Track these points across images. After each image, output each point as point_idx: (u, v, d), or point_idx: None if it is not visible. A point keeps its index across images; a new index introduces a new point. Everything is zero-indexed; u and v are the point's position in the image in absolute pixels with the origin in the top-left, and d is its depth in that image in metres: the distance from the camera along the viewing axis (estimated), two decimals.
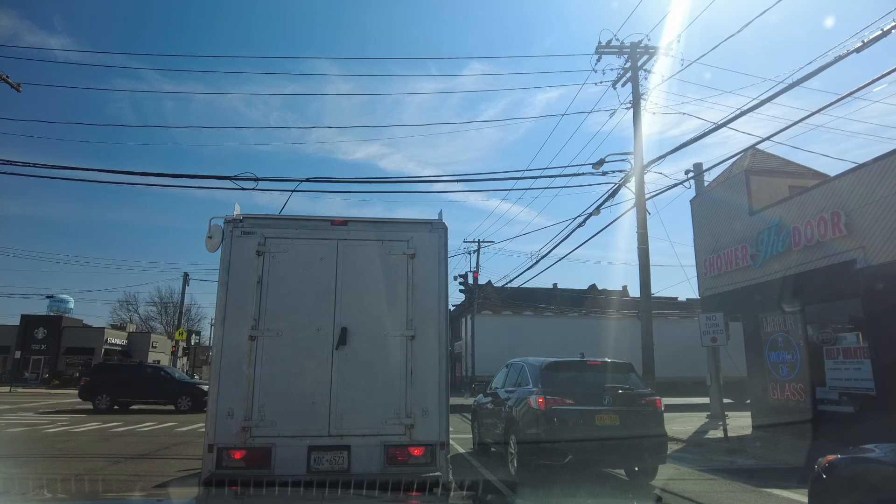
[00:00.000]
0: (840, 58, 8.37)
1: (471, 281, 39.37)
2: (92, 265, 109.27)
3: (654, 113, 16.84)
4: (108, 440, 12.09)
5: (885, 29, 7.80)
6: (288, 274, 5.61)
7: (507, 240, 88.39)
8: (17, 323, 46.74)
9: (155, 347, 56.15)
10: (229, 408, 5.23)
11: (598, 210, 16.70)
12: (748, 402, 15.79)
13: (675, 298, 50.37)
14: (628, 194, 16.13)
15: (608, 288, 53.13)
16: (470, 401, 16.26)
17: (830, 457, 4.35)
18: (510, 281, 32.41)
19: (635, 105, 16.04)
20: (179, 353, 41.90)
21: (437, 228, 5.88)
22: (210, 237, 5.64)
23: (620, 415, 7.80)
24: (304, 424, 5.28)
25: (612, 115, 17.40)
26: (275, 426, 5.24)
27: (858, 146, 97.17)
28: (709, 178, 17.49)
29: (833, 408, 11.94)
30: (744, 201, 14.90)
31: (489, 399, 10.25)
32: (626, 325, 29.68)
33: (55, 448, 10.74)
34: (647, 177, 15.73)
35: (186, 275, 40.81)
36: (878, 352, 10.87)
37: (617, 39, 16.19)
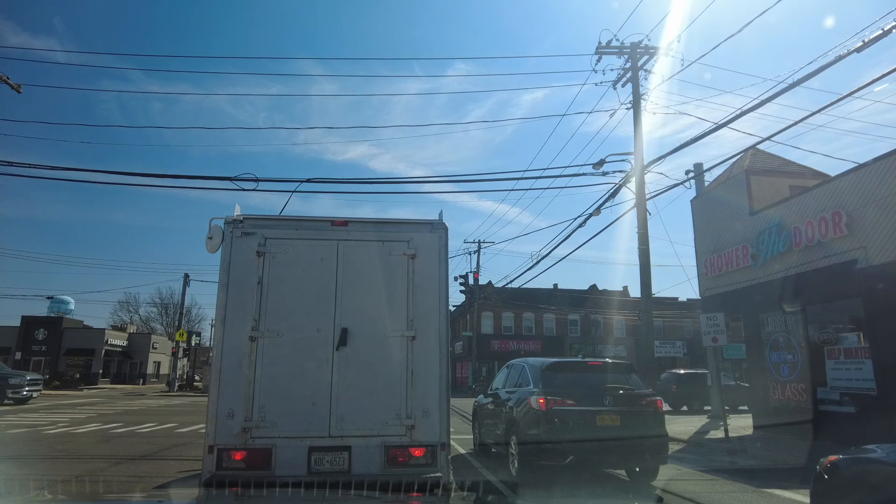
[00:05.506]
0: (841, 57, 8.36)
1: (471, 281, 39.30)
2: (92, 266, 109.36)
3: (654, 113, 16.91)
4: (109, 441, 12.08)
5: (885, 28, 7.79)
6: (288, 274, 5.60)
7: (507, 240, 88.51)
8: (18, 324, 46.74)
9: (155, 348, 56.14)
10: (230, 409, 5.21)
11: (598, 210, 16.70)
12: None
13: (676, 299, 50.42)
14: (629, 194, 16.13)
15: (609, 288, 53.04)
16: None
17: (832, 457, 4.34)
18: (511, 281, 32.39)
19: (636, 105, 16.03)
20: (180, 354, 41.88)
21: (437, 229, 5.86)
22: (210, 238, 5.62)
23: (621, 415, 7.78)
24: (305, 425, 5.27)
25: (612, 115, 17.42)
26: (275, 427, 5.23)
27: (850, 144, 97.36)
28: (709, 177, 17.50)
29: (834, 408, 11.93)
30: (744, 201, 14.89)
31: (490, 400, 10.23)
32: None
33: (55, 449, 10.73)
34: (648, 177, 15.74)
35: (187, 276, 40.88)
36: (879, 352, 10.86)
37: (617, 39, 16.21)
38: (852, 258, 11.31)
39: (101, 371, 48.29)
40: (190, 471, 8.17)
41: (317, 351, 5.44)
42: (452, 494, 5.17)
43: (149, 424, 15.50)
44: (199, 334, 52.45)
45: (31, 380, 23.67)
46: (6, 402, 22.00)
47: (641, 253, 15.16)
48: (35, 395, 24.13)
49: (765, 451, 11.08)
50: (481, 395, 11.26)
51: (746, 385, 18.66)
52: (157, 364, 57.47)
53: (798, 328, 13.26)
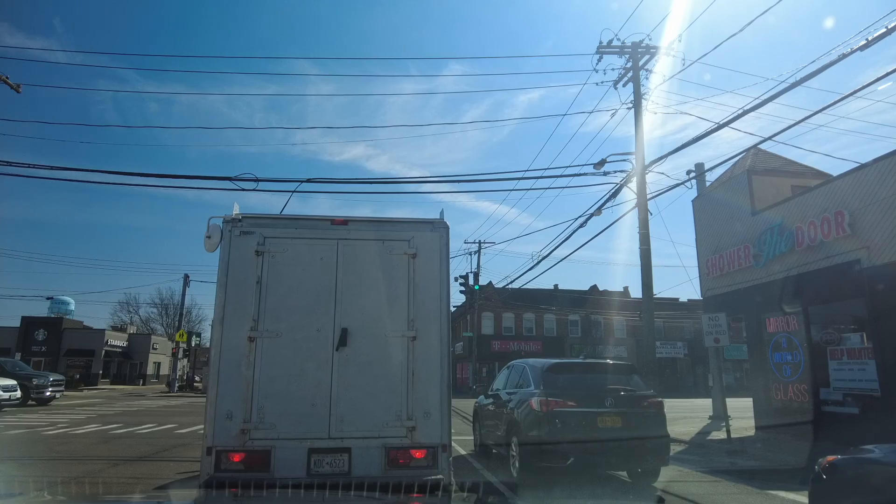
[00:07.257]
0: (844, 55, 8.32)
1: (471, 282, 39.24)
2: (92, 266, 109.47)
3: (655, 113, 16.83)
4: (108, 442, 12.04)
5: (889, 26, 7.74)
6: (287, 274, 5.54)
7: (507, 241, 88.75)
8: (18, 325, 46.72)
9: (155, 349, 56.12)
10: (228, 410, 5.16)
11: (599, 210, 16.64)
12: None
13: (677, 299, 50.33)
14: (630, 194, 16.07)
15: (609, 289, 52.94)
16: None
17: (831, 457, 4.31)
18: (511, 282, 32.27)
19: (637, 105, 15.98)
20: (180, 355, 41.84)
21: (438, 228, 5.81)
22: (209, 237, 5.56)
23: (623, 416, 7.73)
24: (304, 427, 5.21)
25: (612, 115, 17.35)
26: (274, 428, 5.18)
27: (849, 144, 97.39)
28: (711, 177, 17.45)
29: (837, 409, 11.88)
30: (746, 201, 14.85)
31: (490, 401, 10.19)
32: None
33: (54, 450, 10.69)
34: (649, 177, 15.66)
35: (187, 276, 40.87)
36: (882, 352, 10.80)
37: (618, 39, 16.14)
38: (855, 258, 11.25)
39: (101, 372, 48.27)
40: (189, 472, 8.14)
41: (316, 351, 5.39)
42: (453, 495, 5.12)
43: (148, 425, 15.45)
44: (199, 335, 52.40)
45: (54, 381, 23.23)
46: (29, 402, 21.58)
47: (643, 253, 15.10)
48: (58, 395, 23.70)
49: (766, 452, 11.03)
50: (482, 396, 11.22)
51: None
52: (158, 365, 57.45)
53: (800, 329, 13.20)
